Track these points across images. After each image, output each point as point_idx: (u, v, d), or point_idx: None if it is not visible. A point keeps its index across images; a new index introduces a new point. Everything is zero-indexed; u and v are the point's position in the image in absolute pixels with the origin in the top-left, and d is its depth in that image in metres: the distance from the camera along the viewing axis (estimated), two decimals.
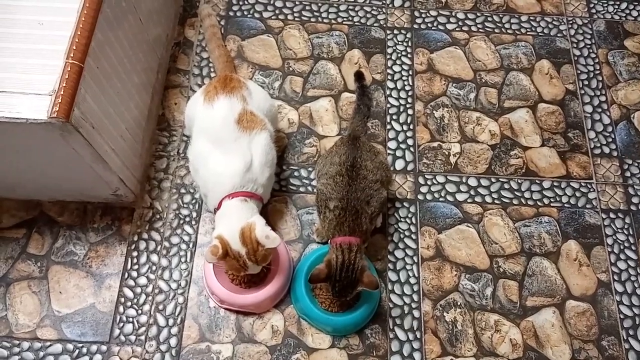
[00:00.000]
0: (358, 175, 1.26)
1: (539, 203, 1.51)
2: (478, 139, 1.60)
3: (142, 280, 1.37)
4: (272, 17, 1.78)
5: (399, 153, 1.57)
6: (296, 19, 1.78)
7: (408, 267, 1.42)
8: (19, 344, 1.28)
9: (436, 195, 1.51)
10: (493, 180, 1.54)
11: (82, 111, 1.12)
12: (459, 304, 1.38)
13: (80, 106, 1.11)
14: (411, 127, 1.61)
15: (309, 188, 1.51)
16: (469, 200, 1.51)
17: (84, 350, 1.29)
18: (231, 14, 1.77)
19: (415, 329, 1.35)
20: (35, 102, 1.07)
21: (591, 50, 1.75)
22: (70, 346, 1.29)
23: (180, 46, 1.72)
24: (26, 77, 1.10)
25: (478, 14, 1.81)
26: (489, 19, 1.81)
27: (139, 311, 1.33)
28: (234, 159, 1.25)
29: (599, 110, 1.65)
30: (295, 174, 1.53)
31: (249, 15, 1.78)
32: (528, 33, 1.78)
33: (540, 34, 1.78)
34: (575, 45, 1.76)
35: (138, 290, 1.36)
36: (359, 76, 1.45)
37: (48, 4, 1.18)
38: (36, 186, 1.38)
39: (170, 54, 1.70)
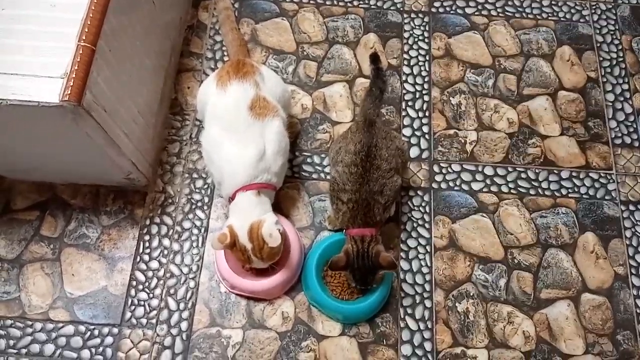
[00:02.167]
0: (372, 166, 1.24)
1: (556, 194, 1.48)
2: (495, 127, 1.57)
3: (154, 264, 1.37)
4: (287, 0, 1.75)
5: (413, 140, 1.54)
6: (311, 1, 1.74)
7: (421, 256, 1.40)
8: (31, 325, 1.29)
9: (451, 184, 1.49)
10: (510, 169, 1.51)
11: (94, 94, 1.11)
12: (471, 294, 1.36)
13: (92, 89, 1.10)
14: (427, 114, 1.58)
15: (322, 175, 1.49)
16: (484, 190, 1.48)
17: (96, 332, 1.30)
18: None
19: (426, 318, 1.33)
20: (47, 85, 1.06)
21: (614, 37, 1.69)
22: (82, 328, 1.30)
23: (193, 29, 1.70)
24: (38, 60, 1.09)
25: None
26: (510, 2, 1.76)
27: (151, 295, 1.34)
28: (247, 147, 1.24)
29: (621, 98, 1.60)
30: (308, 160, 1.51)
31: None
32: (549, 18, 1.73)
33: (562, 19, 1.73)
34: (598, 32, 1.71)
35: (150, 273, 1.36)
36: (374, 58, 1.41)
37: None
38: (49, 169, 1.38)
39: (183, 37, 1.68)
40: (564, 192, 1.48)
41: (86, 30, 1.11)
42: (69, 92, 1.05)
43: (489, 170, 1.51)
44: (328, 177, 1.48)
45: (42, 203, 1.43)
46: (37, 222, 1.41)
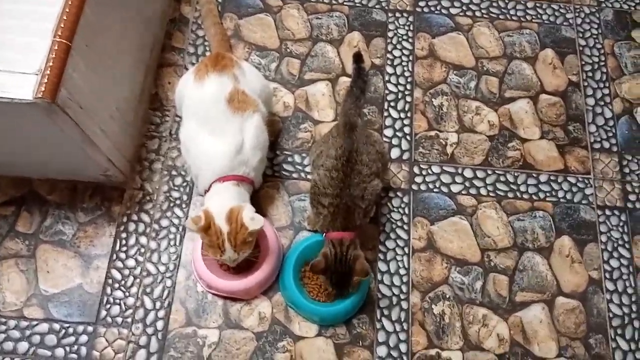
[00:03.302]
0: (353, 171, 1.23)
1: (534, 197, 1.49)
2: (476, 129, 1.57)
3: (131, 262, 1.36)
4: None
5: (395, 141, 1.54)
6: None
7: (398, 257, 1.40)
8: (5, 322, 1.28)
9: (430, 185, 1.49)
10: (489, 172, 1.52)
11: (70, 91, 1.10)
12: (447, 296, 1.37)
13: (68, 86, 1.09)
14: (409, 114, 1.58)
15: (302, 174, 1.49)
16: (463, 192, 1.49)
17: (70, 330, 1.29)
18: None
19: (402, 320, 1.34)
20: (21, 81, 1.05)
21: (597, 41, 1.70)
22: (56, 326, 1.29)
23: (175, 23, 1.68)
24: (12, 55, 1.07)
25: None
26: (494, 4, 1.76)
27: (127, 293, 1.33)
28: (225, 140, 1.23)
29: (602, 103, 1.61)
30: (289, 159, 1.50)
31: None
32: (533, 20, 1.73)
33: (545, 21, 1.73)
34: (581, 35, 1.71)
35: (126, 272, 1.35)
36: (357, 57, 1.40)
37: None
38: (25, 164, 1.36)
39: (165, 30, 1.66)
40: (541, 195, 1.49)
41: (62, 25, 1.10)
42: (43, 89, 1.03)
43: (468, 173, 1.51)
44: (309, 176, 1.47)
45: (18, 198, 1.41)
46: (13, 218, 1.39)
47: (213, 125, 1.24)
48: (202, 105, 1.26)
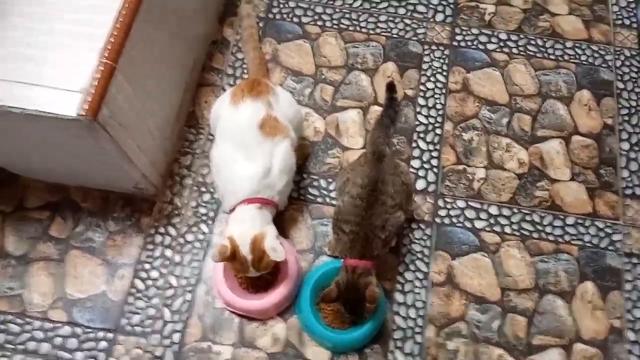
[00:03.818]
0: (377, 201, 1.25)
1: (559, 239, 1.47)
2: (505, 167, 1.56)
3: (154, 274, 1.41)
4: (311, 23, 1.77)
5: (421, 173, 1.55)
6: (334, 26, 1.77)
7: (416, 290, 1.40)
8: (30, 322, 1.34)
9: (454, 220, 1.49)
10: (515, 210, 1.50)
11: (111, 110, 1.15)
12: (463, 333, 1.36)
13: (110, 105, 1.14)
14: (437, 147, 1.59)
15: (327, 199, 1.51)
16: (487, 229, 1.48)
17: (91, 335, 1.33)
18: (270, 16, 1.78)
19: (415, 354, 1.34)
20: (65, 98, 1.11)
21: (636, 85, 1.67)
22: (78, 330, 1.34)
23: (217, 44, 1.74)
24: (60, 73, 1.13)
25: (521, 36, 1.76)
26: (532, 42, 1.75)
27: (148, 304, 1.37)
28: (254, 163, 1.27)
29: (636, 148, 1.58)
30: (315, 183, 1.53)
31: (287, 19, 1.78)
32: (571, 60, 1.72)
33: (584, 62, 1.72)
34: (619, 78, 1.69)
35: (149, 282, 1.40)
36: (390, 87, 1.42)
37: (87, 2, 1.21)
38: (62, 171, 1.43)
39: (206, 51, 1.72)
40: (567, 238, 1.47)
41: (109, 47, 1.16)
42: (86, 107, 1.09)
43: (493, 210, 1.50)
44: (333, 202, 1.50)
45: (53, 203, 1.48)
46: (47, 222, 1.46)
47: (244, 148, 1.29)
48: (235, 129, 1.30)
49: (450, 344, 1.35)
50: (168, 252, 1.43)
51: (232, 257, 1.22)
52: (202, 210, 1.49)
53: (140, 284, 1.39)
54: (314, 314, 1.32)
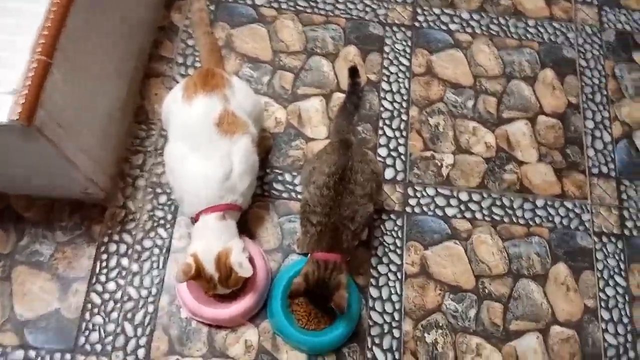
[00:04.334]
0: (345, 190, 1.19)
1: (530, 222, 1.45)
2: (472, 151, 1.53)
3: (111, 286, 1.30)
4: (266, 5, 1.67)
5: (389, 161, 1.49)
6: (291, 8, 1.67)
7: (391, 283, 1.36)
8: None
9: (425, 208, 1.45)
10: (485, 195, 1.48)
11: (48, 111, 1.03)
12: (440, 324, 1.33)
13: (46, 106, 1.02)
14: (404, 134, 1.53)
15: (293, 194, 1.43)
16: (458, 216, 1.45)
17: (47, 358, 1.22)
18: None
19: (394, 349, 1.30)
20: None
21: (598, 62, 1.67)
22: (32, 353, 1.23)
23: (164, 31, 1.61)
24: None
25: (483, 15, 1.72)
26: (495, 21, 1.71)
27: (107, 319, 1.27)
28: (212, 166, 1.18)
29: (601, 126, 1.58)
30: (279, 178, 1.45)
31: (240, 1, 1.67)
32: (534, 39, 1.69)
33: (546, 40, 1.69)
34: (582, 56, 1.68)
35: (106, 296, 1.29)
36: (353, 72, 1.36)
37: None
38: (0, 180, 1.29)
39: (153, 39, 1.59)
40: (538, 220, 1.46)
41: (42, 41, 1.03)
42: (19, 110, 0.97)
43: (463, 196, 1.47)
44: (299, 196, 1.42)
45: None
46: None
47: (200, 148, 1.18)
48: (189, 127, 1.20)
49: (428, 337, 1.32)
50: (124, 261, 1.33)
51: (197, 275, 1.13)
52: (159, 214, 1.39)
53: (96, 298, 1.29)
54: (287, 317, 1.25)
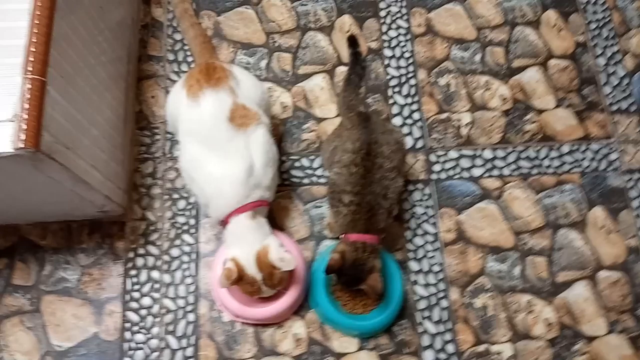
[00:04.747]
0: (374, 165, 1.14)
1: (558, 171, 1.42)
2: (489, 106, 1.48)
3: (146, 301, 1.25)
4: None
5: (405, 130, 1.44)
6: None
7: (430, 254, 1.32)
8: None
9: (451, 172, 1.41)
10: (509, 150, 1.44)
11: (52, 133, 0.96)
12: (487, 288, 1.30)
13: (50, 128, 0.95)
14: (415, 99, 1.48)
15: (314, 179, 1.38)
16: (485, 175, 1.41)
17: None
18: None
19: (444, 320, 1.27)
20: None
21: None
22: None
23: (148, 29, 1.53)
24: None
25: None
26: None
27: (148, 335, 1.23)
28: (233, 164, 1.12)
29: (613, 62, 1.54)
30: (297, 164, 1.40)
31: None
32: None
33: None
34: None
35: (143, 312, 1.24)
36: (352, 42, 1.30)
37: None
38: (11, 212, 1.23)
39: (138, 39, 1.51)
40: (566, 167, 1.42)
41: (31, 58, 0.95)
42: (24, 137, 0.90)
43: (487, 154, 1.43)
44: (321, 180, 1.37)
45: (8, 249, 1.28)
46: (7, 271, 1.26)
47: (216, 148, 1.12)
48: (201, 127, 1.13)
49: (477, 302, 1.29)
50: (155, 274, 1.28)
51: (240, 279, 1.09)
52: (181, 220, 1.33)
53: (133, 316, 1.24)
54: (333, 304, 1.21)
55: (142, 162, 1.38)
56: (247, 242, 1.11)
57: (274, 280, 1.10)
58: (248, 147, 1.13)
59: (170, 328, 1.23)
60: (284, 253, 1.09)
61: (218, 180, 1.12)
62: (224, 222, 1.14)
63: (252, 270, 1.09)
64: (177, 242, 1.31)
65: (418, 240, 1.33)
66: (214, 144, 1.13)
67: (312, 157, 1.40)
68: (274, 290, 1.14)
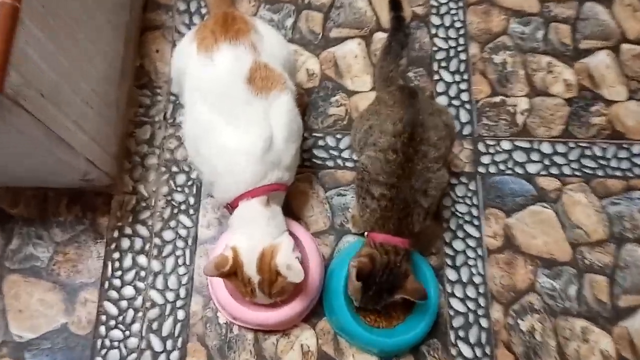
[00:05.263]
0: (417, 152, 0.93)
1: (628, 174, 1.19)
2: (550, 92, 1.26)
3: (128, 291, 1.05)
4: None
5: (451, 112, 1.22)
6: None
7: (471, 262, 1.11)
8: None
9: (502, 166, 1.19)
10: (572, 145, 1.21)
11: (24, 74, 0.76)
12: (536, 308, 1.09)
13: (20, 67, 0.75)
14: (465, 77, 1.25)
15: (340, 162, 1.17)
16: (543, 173, 1.19)
17: None
18: None
19: (483, 342, 1.06)
20: None
21: None
22: None
23: None
24: None
25: None
26: None
27: (127, 332, 1.02)
28: (248, 136, 0.90)
29: None
30: (320, 142, 1.18)
31: None
32: None
33: None
34: None
35: (123, 304, 1.04)
36: (394, 5, 1.10)
37: None
38: None
39: None
40: (637, 171, 1.20)
41: None
42: None
43: (546, 147, 1.21)
44: (347, 164, 1.16)
45: None
46: None
47: (231, 114, 0.91)
48: (213, 88, 0.92)
49: (523, 324, 1.08)
50: (142, 260, 1.07)
51: (231, 273, 0.88)
52: (179, 197, 1.12)
53: (112, 308, 1.04)
54: (352, 314, 1.00)
55: (139, 126, 1.17)
56: (255, 234, 0.90)
57: (273, 289, 0.90)
58: (268, 116, 0.92)
59: (155, 326, 1.03)
60: (294, 261, 0.88)
61: (229, 153, 0.91)
62: (231, 206, 0.93)
63: (251, 270, 0.88)
64: (172, 223, 1.10)
65: (458, 245, 1.12)
66: (227, 110, 0.91)
67: (339, 135, 1.19)
68: (270, 300, 0.93)
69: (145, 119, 1.18)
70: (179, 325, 1.03)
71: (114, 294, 1.05)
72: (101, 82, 1.05)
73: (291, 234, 0.95)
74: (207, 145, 0.93)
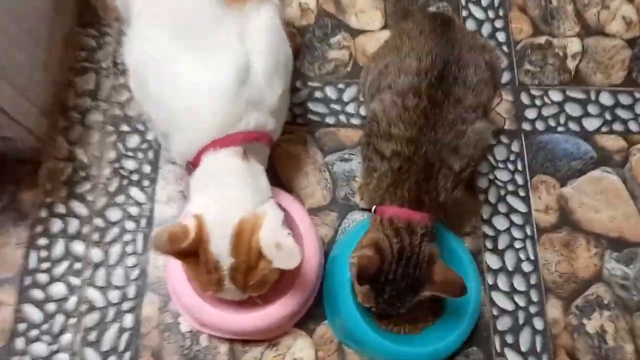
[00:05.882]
0: (448, 98, 0.68)
1: None
2: (607, 31, 1.02)
3: (58, 289, 0.78)
4: None
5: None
6: None
7: (517, 244, 0.85)
8: None
9: (551, 122, 0.93)
10: (638, 95, 0.96)
11: None
12: (606, 303, 0.83)
13: None
14: (501, 12, 1.01)
15: (342, 118, 0.91)
16: (604, 129, 0.94)
17: None
18: None
19: (539, 350, 0.80)
20: None
21: None
22: None
23: None
24: None
25: None
26: None
27: (54, 346, 0.76)
28: (216, 63, 0.64)
29: None
30: (317, 94, 0.92)
31: None
32: None
33: None
34: None
35: (50, 307, 0.77)
36: None
37: None
38: None
39: None
40: None
41: None
42: None
43: (606, 99, 0.96)
44: (353, 121, 0.90)
45: None
46: None
47: (192, 35, 0.65)
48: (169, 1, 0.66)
49: (590, 324, 0.81)
50: (78, 247, 0.80)
51: (191, 252, 0.61)
52: (129, 165, 0.86)
53: (34, 313, 0.77)
54: (362, 315, 0.73)
55: (80, 73, 0.91)
56: (228, 197, 0.63)
57: (249, 278, 0.62)
58: (244, 38, 0.66)
59: (93, 337, 0.76)
60: (287, 237, 0.60)
61: (189, 88, 0.65)
62: (193, 165, 0.66)
63: (221, 248, 0.60)
64: (120, 198, 0.83)
65: (499, 222, 0.86)
66: (187, 30, 0.66)
67: (342, 85, 0.92)
68: (244, 295, 0.65)
69: (89, 65, 0.91)
70: (125, 336, 0.76)
71: (37, 293, 0.77)
72: (31, 19, 0.80)
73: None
74: (159, 80, 0.66)
